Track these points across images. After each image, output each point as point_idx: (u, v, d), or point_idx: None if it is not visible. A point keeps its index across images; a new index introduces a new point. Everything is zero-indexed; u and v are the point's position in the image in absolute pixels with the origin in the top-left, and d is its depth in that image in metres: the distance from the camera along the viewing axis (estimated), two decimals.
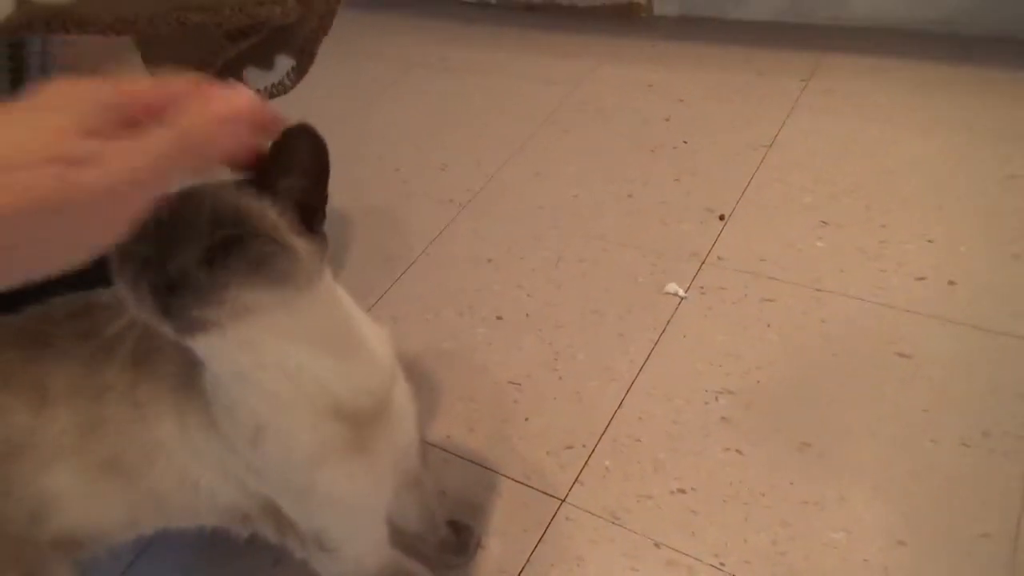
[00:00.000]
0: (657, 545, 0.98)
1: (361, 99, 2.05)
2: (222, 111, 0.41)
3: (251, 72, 0.87)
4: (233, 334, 0.54)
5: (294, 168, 0.54)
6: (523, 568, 0.99)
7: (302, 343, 0.59)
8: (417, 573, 0.85)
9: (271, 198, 0.54)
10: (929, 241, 1.30)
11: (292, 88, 0.88)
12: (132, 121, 0.38)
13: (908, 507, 0.97)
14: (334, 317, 0.64)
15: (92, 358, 0.66)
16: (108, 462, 0.68)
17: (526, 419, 1.17)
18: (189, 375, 0.65)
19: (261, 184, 0.54)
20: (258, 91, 0.95)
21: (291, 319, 0.57)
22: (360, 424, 0.66)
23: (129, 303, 0.51)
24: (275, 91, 0.87)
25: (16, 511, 0.68)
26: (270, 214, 0.54)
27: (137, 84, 0.40)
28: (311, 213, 0.57)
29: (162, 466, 0.68)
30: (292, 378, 0.60)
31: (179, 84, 0.41)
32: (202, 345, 0.56)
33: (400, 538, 0.91)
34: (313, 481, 0.67)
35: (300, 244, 0.55)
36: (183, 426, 0.67)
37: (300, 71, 0.86)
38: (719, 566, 0.94)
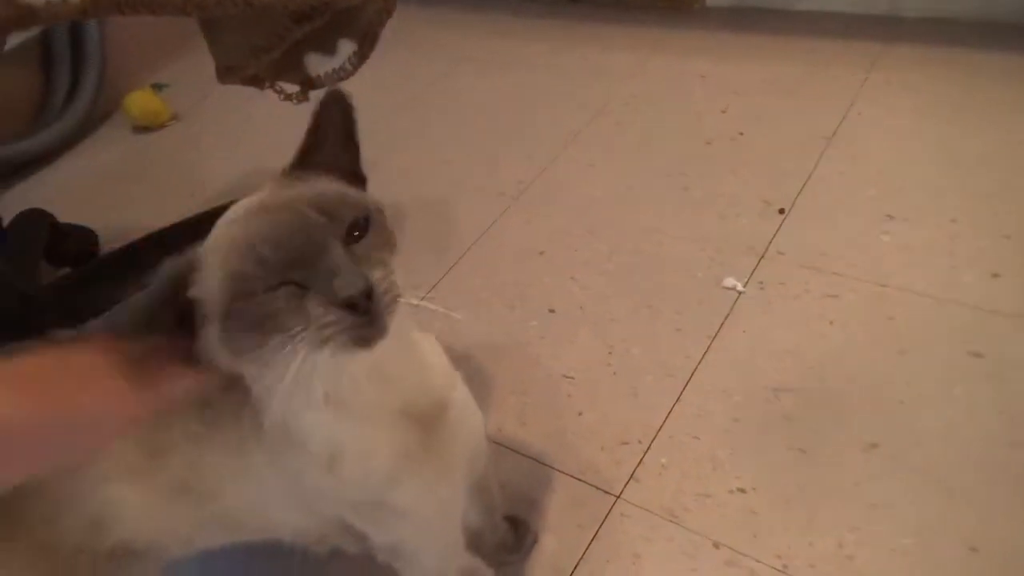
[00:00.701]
0: (716, 545, 0.95)
1: (411, 92, 2.05)
2: None
3: (312, 58, 0.86)
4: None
5: (334, 136, 0.56)
6: (578, 564, 0.97)
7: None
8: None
9: (333, 174, 0.55)
10: (1005, 237, 1.24)
11: (353, 73, 0.87)
12: None
13: (982, 513, 0.93)
14: None
15: None
16: (174, 485, 0.67)
17: (580, 414, 1.14)
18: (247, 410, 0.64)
19: (313, 163, 0.55)
20: (319, 77, 0.95)
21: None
22: (427, 427, 0.64)
23: (304, 327, 0.49)
24: (336, 76, 0.86)
25: (77, 519, 0.67)
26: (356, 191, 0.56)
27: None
28: (356, 178, 0.58)
29: (230, 494, 0.68)
30: (384, 372, 0.59)
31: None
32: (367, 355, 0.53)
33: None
34: (391, 496, 0.65)
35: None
36: (247, 458, 0.65)
37: (362, 56, 0.85)
38: (782, 569, 0.91)
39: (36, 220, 1.60)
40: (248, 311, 0.48)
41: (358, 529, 0.70)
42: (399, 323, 0.53)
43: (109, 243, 1.73)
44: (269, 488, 0.66)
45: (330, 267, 0.48)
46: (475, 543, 0.94)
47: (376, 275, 0.50)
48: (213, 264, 0.50)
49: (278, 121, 2.08)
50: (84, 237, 1.70)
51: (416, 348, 0.66)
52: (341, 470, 0.62)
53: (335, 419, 0.59)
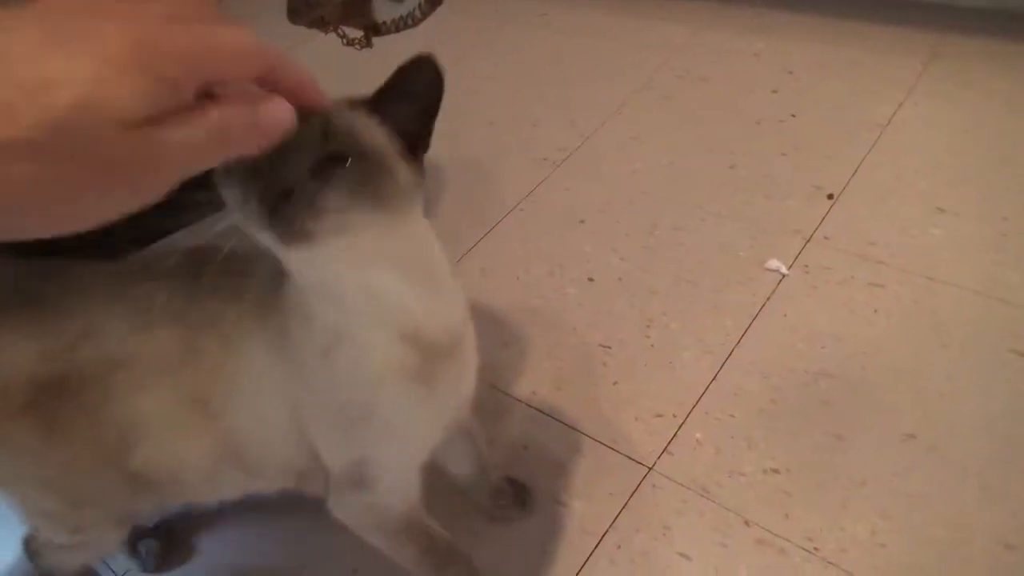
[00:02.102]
0: (747, 523, 0.95)
1: (457, 52, 2.02)
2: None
3: (381, 4, 0.85)
4: (331, 247, 0.54)
5: (409, 95, 0.56)
6: (607, 531, 0.97)
7: (393, 266, 0.60)
8: (439, 534, 0.83)
9: (382, 120, 0.55)
10: None
11: (422, 21, 0.86)
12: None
13: (1018, 510, 0.92)
14: (424, 248, 0.64)
15: (193, 291, 0.68)
16: (195, 396, 0.69)
17: (615, 383, 1.14)
18: (268, 297, 0.66)
19: (375, 106, 0.55)
20: (384, 23, 0.93)
21: (386, 241, 0.58)
22: (431, 357, 0.65)
23: (234, 208, 0.52)
24: (403, 23, 0.85)
25: (107, 430, 0.69)
26: (379, 136, 0.55)
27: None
28: (417, 141, 0.58)
29: (237, 399, 0.69)
30: (378, 297, 0.61)
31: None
32: (297, 256, 0.57)
33: (453, 485, 0.94)
34: (375, 400, 0.66)
35: (402, 169, 0.56)
36: (255, 347, 0.67)
37: (433, 2, 0.84)
38: (812, 551, 0.91)
39: None
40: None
41: (330, 446, 0.71)
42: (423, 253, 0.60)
43: None
44: (268, 380, 0.68)
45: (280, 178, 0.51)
46: (470, 492, 0.97)
47: (322, 200, 0.52)
48: None
49: (319, 73, 2.08)
50: None
51: (442, 280, 0.66)
52: (336, 357, 0.63)
53: (340, 311, 0.61)
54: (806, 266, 1.26)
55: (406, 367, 0.65)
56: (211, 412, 0.69)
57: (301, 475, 0.76)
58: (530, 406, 1.13)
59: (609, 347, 1.19)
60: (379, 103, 0.55)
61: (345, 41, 0.97)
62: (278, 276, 0.63)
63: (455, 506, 0.97)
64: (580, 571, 0.94)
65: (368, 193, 0.54)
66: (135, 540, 1.02)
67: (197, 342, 0.68)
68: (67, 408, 0.68)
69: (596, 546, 0.96)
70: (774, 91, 1.67)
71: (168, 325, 0.68)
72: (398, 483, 0.76)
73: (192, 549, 1.04)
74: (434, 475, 0.80)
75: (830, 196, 1.38)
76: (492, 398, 1.15)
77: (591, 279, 1.32)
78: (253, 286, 0.68)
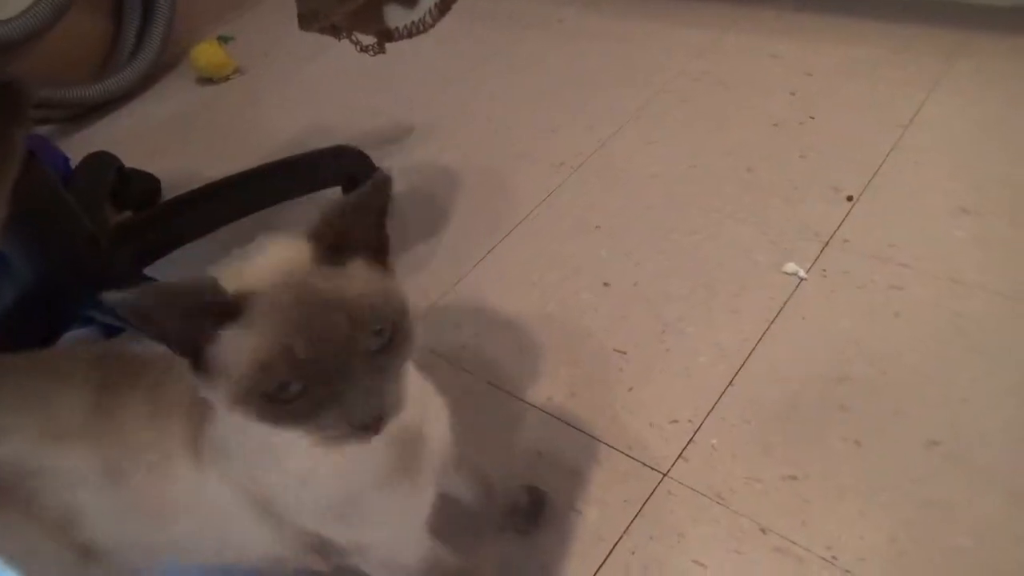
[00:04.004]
0: (764, 530, 0.94)
1: (474, 59, 2.03)
2: None
3: (393, 10, 0.85)
4: None
5: (372, 214, 0.55)
6: (621, 537, 0.96)
7: None
8: (451, 561, 0.82)
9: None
10: None
11: (432, 26, 0.86)
12: None
13: None
14: None
15: (107, 403, 0.67)
16: (130, 504, 0.68)
17: (630, 389, 1.13)
18: (194, 421, 0.64)
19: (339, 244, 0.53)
20: (397, 29, 0.94)
21: None
22: (403, 445, 0.65)
23: (302, 421, 0.51)
24: (415, 29, 0.85)
25: (52, 510, 0.69)
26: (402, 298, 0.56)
27: None
28: (383, 248, 0.57)
29: (185, 520, 0.69)
30: None
31: None
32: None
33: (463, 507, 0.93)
34: (364, 506, 0.66)
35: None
36: (205, 484, 0.66)
37: (443, 8, 0.84)
38: (831, 560, 0.89)
39: (103, 162, 1.63)
40: (262, 396, 0.50)
41: (325, 537, 0.70)
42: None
43: (170, 191, 1.75)
44: (231, 509, 0.67)
45: (352, 391, 0.50)
46: (482, 512, 0.95)
47: (389, 394, 0.53)
48: (245, 333, 0.50)
49: (337, 79, 2.11)
50: (148, 182, 1.73)
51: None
52: (315, 485, 0.63)
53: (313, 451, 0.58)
54: (824, 270, 1.24)
55: (387, 465, 0.65)
56: (150, 525, 0.69)
57: (281, 561, 0.75)
58: (545, 412, 1.13)
59: (625, 352, 1.18)
60: (347, 237, 0.53)
61: (359, 48, 0.97)
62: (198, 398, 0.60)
63: (466, 515, 0.96)
64: None
65: (408, 351, 0.55)
66: None
67: (118, 463, 0.67)
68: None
69: (610, 553, 0.95)
70: (793, 93, 1.65)
71: (83, 440, 0.67)
72: (404, 547, 0.76)
73: None
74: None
75: (850, 198, 1.36)
76: (506, 404, 1.15)
77: (606, 284, 1.31)
78: (173, 408, 0.66)
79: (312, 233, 0.53)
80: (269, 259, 0.52)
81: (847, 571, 0.88)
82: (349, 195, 0.53)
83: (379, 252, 0.56)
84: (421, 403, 0.68)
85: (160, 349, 0.50)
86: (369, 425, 0.51)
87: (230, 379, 0.50)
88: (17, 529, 0.70)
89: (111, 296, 0.45)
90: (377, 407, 0.51)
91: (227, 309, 0.49)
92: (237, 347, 0.49)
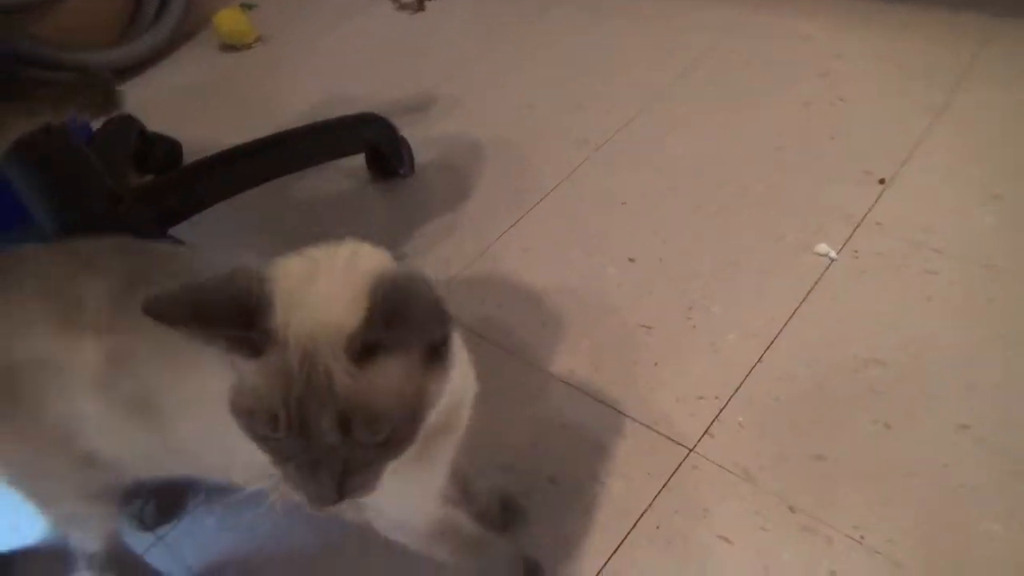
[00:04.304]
0: (792, 509, 0.93)
1: (499, 34, 2.00)
2: None
3: None
4: None
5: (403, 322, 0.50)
6: (645, 511, 0.95)
7: None
8: (469, 531, 0.81)
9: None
10: None
11: None
12: None
13: None
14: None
15: (128, 300, 0.64)
16: (135, 400, 0.67)
17: (655, 364, 1.12)
18: None
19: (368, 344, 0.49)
20: None
21: None
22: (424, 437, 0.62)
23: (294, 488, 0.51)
24: None
25: (53, 421, 0.68)
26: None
27: None
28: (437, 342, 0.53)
29: (190, 424, 0.67)
30: None
31: None
32: None
33: None
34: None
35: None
36: (212, 388, 0.65)
37: None
38: (859, 539, 0.88)
39: (126, 125, 1.62)
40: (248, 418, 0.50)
41: None
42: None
43: (192, 156, 1.74)
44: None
45: (322, 472, 0.49)
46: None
47: (359, 483, 0.51)
48: (254, 370, 0.50)
49: (360, 49, 2.09)
50: (170, 147, 1.72)
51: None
52: None
53: None
54: (856, 251, 1.22)
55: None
56: (154, 422, 0.68)
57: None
58: (569, 384, 1.12)
59: (650, 328, 1.17)
60: (379, 340, 0.49)
61: (398, 5, 0.95)
62: None
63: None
64: (617, 550, 0.92)
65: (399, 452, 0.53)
66: (138, 500, 1.02)
67: (127, 358, 0.66)
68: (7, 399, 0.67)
69: (634, 526, 0.94)
70: (823, 75, 1.62)
71: (98, 333, 0.66)
72: (416, 515, 0.74)
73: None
74: None
75: (882, 181, 1.34)
76: (530, 376, 1.14)
77: (632, 260, 1.30)
78: None
79: (356, 332, 0.48)
80: (319, 305, 0.49)
81: (876, 551, 0.87)
82: (400, 298, 0.49)
83: (431, 345, 0.53)
84: (461, 391, 0.65)
85: (184, 248, 0.50)
86: (325, 502, 0.50)
87: (234, 385, 0.50)
88: (24, 435, 0.70)
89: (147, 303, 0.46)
90: (339, 492, 0.50)
91: (252, 343, 0.49)
92: (244, 371, 0.50)
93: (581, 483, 1.00)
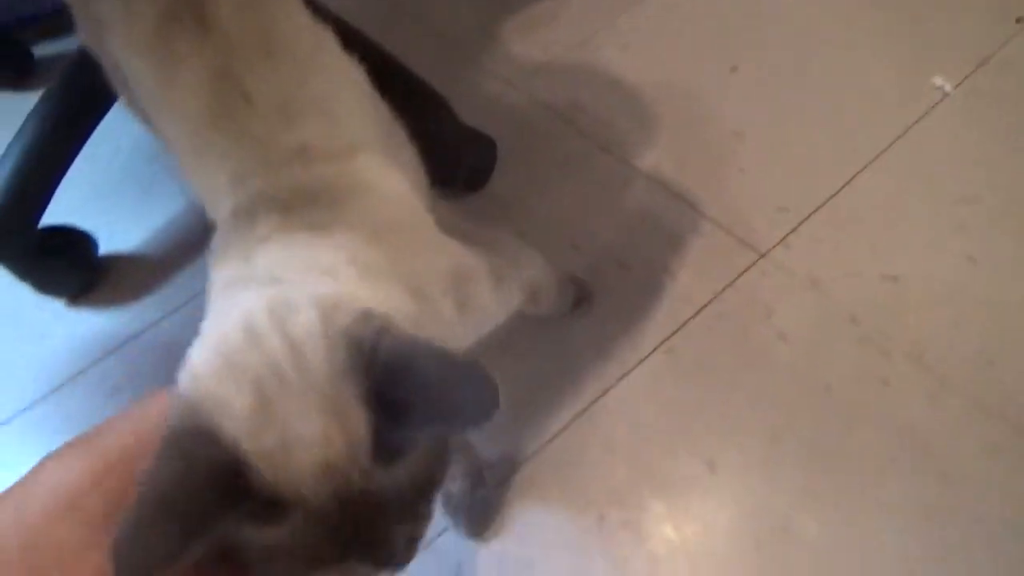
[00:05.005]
0: (854, 321, 0.94)
1: None
2: None
3: None
4: None
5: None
6: (710, 302, 0.98)
7: None
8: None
9: None
10: None
11: None
12: None
13: None
14: None
15: None
16: None
17: (741, 170, 1.11)
18: None
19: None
20: None
21: None
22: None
23: None
24: None
25: None
26: None
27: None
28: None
29: None
30: None
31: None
32: None
33: None
34: None
35: None
36: None
37: None
38: (916, 357, 0.90)
39: None
40: None
41: None
42: None
43: None
44: None
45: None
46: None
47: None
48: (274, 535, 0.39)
49: None
50: None
51: None
52: None
53: None
54: (973, 89, 1.15)
55: None
56: None
57: None
58: (650, 179, 1.12)
59: (742, 135, 1.15)
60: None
61: None
62: None
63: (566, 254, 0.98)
64: (676, 332, 0.96)
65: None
66: None
67: None
68: None
69: (696, 313, 0.97)
70: None
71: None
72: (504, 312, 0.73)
73: None
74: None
75: (1019, 20, 1.23)
76: (614, 168, 1.14)
77: (734, 68, 1.24)
78: None
79: (365, 438, 0.37)
80: (305, 433, 0.36)
81: (930, 368, 0.89)
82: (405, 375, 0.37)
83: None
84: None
85: None
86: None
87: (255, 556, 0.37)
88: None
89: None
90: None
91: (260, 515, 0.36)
92: (264, 539, 0.37)
93: (650, 271, 1.02)
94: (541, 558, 0.84)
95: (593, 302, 0.98)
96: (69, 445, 0.33)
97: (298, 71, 0.59)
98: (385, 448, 0.37)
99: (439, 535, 0.85)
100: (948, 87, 1.16)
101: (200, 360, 0.38)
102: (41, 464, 0.33)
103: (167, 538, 0.31)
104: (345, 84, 0.64)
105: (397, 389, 0.36)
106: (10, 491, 0.32)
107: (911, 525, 0.80)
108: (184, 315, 1.05)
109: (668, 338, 0.96)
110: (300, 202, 0.51)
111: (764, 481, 0.85)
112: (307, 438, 0.36)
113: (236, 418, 0.35)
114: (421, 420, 0.37)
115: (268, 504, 0.35)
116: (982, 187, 1.04)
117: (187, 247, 1.14)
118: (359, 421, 0.36)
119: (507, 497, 0.87)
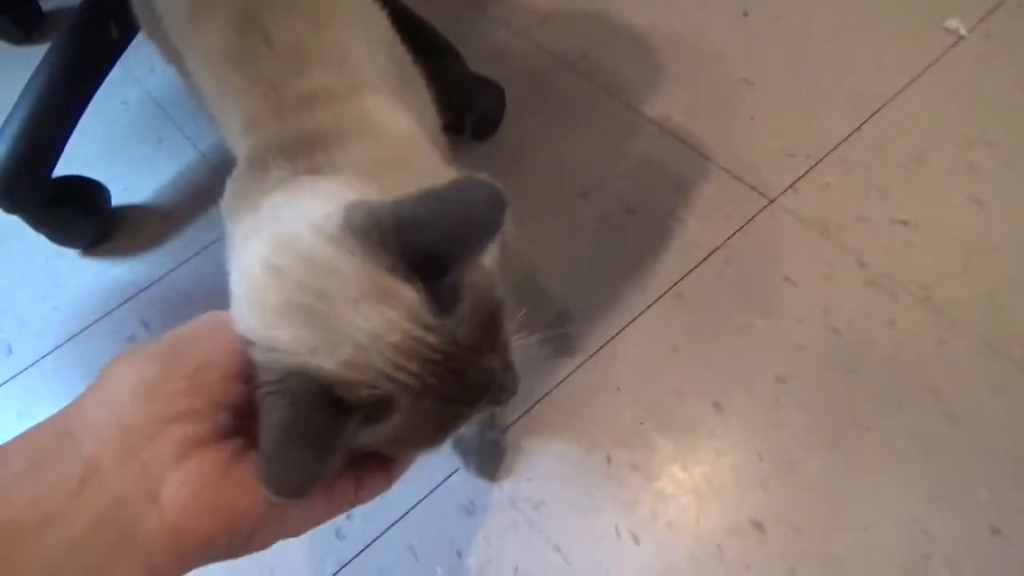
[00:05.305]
0: (862, 264, 0.94)
1: None
2: None
3: None
4: None
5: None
6: (719, 247, 0.98)
7: None
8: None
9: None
10: None
11: None
12: None
13: None
14: None
15: None
16: None
17: (751, 117, 1.10)
18: None
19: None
20: None
21: None
22: None
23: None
24: None
25: None
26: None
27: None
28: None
29: None
30: None
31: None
32: None
33: None
34: None
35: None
36: None
37: None
38: (924, 298, 0.91)
39: None
40: None
41: None
42: None
43: None
44: None
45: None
46: None
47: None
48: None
49: None
50: None
51: None
52: None
53: None
54: (988, 32, 1.14)
55: None
56: None
57: None
58: (660, 127, 1.11)
59: (752, 82, 1.14)
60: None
61: None
62: None
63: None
64: (685, 277, 0.96)
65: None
66: None
67: None
68: None
69: (705, 258, 0.97)
70: None
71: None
72: None
73: None
74: None
75: None
76: (622, 115, 1.13)
77: (746, 14, 1.23)
78: None
79: (418, 296, 0.39)
80: (361, 314, 0.38)
81: (937, 309, 0.89)
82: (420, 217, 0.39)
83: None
84: None
85: None
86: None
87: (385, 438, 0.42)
88: None
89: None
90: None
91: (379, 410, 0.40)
92: (389, 427, 0.41)
93: (658, 216, 1.02)
94: (550, 498, 0.85)
95: (571, 342, 0.94)
96: (132, 351, 0.38)
97: (318, 17, 0.60)
98: (440, 300, 0.39)
99: (450, 475, 0.87)
100: (963, 30, 1.14)
101: (245, 312, 0.40)
102: (112, 366, 0.38)
103: (305, 463, 0.36)
104: (361, 29, 0.64)
105: (414, 240, 0.38)
106: (97, 383, 0.38)
107: (916, 465, 0.81)
108: (195, 265, 1.06)
109: (677, 283, 0.96)
110: (305, 148, 0.51)
111: (770, 422, 0.86)
112: (373, 331, 0.38)
113: (307, 349, 0.37)
114: (450, 250, 0.38)
115: (375, 402, 0.38)
116: (994, 130, 1.04)
117: (198, 198, 1.14)
118: (405, 290, 0.38)
119: (517, 438, 0.89)
